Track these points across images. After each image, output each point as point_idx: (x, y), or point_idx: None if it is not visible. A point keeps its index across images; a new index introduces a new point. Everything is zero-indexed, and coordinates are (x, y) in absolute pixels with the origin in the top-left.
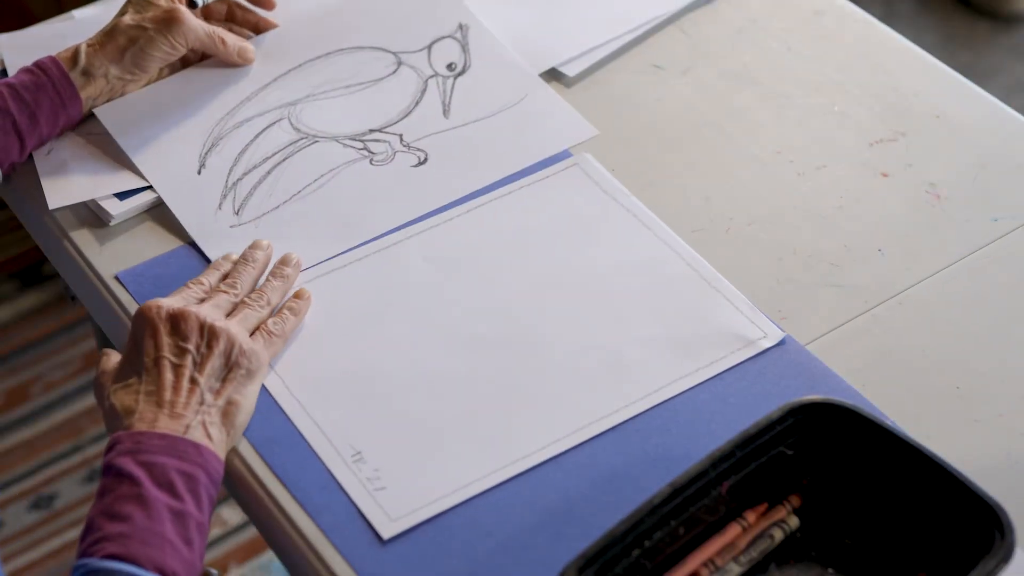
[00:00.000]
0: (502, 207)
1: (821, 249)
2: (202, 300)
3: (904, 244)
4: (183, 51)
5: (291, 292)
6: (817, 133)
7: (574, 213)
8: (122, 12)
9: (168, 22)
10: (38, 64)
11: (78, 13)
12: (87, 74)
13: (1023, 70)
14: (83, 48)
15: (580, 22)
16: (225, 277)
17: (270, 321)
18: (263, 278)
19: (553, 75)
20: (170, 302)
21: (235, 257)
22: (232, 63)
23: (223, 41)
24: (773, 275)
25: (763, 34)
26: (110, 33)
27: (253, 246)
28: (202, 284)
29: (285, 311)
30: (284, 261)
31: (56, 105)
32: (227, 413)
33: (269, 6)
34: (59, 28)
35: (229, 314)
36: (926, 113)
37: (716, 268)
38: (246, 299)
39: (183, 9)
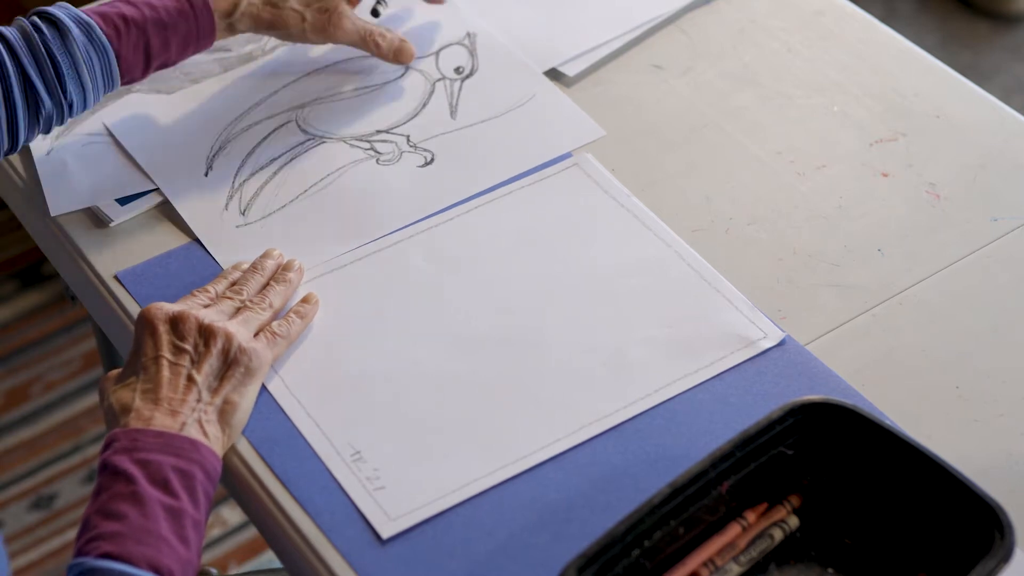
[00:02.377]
0: (502, 207)
1: (821, 249)
2: (206, 307)
3: (904, 244)
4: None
5: (296, 297)
6: (817, 133)
7: (574, 213)
8: None
9: (328, 20)
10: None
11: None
12: (232, 28)
13: (1023, 70)
14: (244, 3)
15: (580, 22)
16: (233, 285)
17: (274, 323)
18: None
19: (553, 75)
20: (172, 305)
21: (245, 266)
22: (387, 62)
23: (377, 45)
24: (773, 275)
25: (763, 34)
26: (274, 1)
27: (264, 255)
28: (208, 292)
29: (291, 314)
30: (287, 267)
31: (191, 39)
32: (224, 412)
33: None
34: None
35: (232, 317)
36: (926, 113)
37: (716, 268)
38: (248, 302)
39: (347, 11)
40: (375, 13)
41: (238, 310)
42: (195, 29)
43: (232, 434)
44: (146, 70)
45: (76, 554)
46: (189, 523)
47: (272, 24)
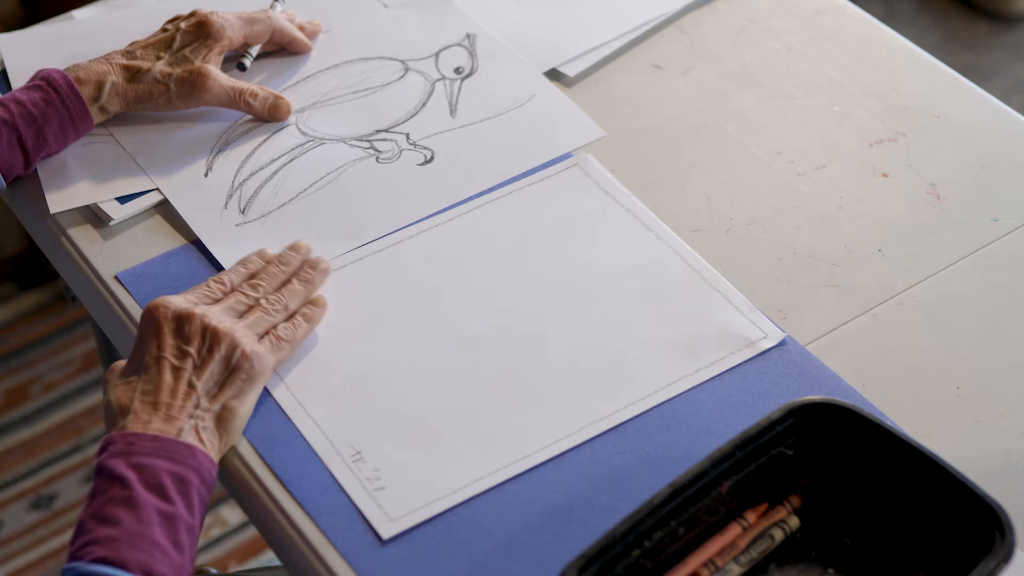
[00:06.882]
0: (502, 207)
1: (821, 249)
2: (217, 300)
3: (904, 244)
4: (199, 108)
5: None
6: (817, 133)
7: (574, 213)
8: (165, 43)
9: (192, 86)
10: (54, 87)
11: (78, 13)
12: (104, 111)
13: (1023, 70)
14: (108, 85)
15: (580, 22)
16: (252, 276)
17: (281, 326)
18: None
19: (553, 75)
20: (179, 302)
21: (271, 254)
22: (263, 120)
23: (248, 104)
24: (773, 275)
25: (763, 34)
26: (136, 76)
27: (292, 246)
28: (222, 284)
29: (298, 317)
30: (312, 264)
31: (67, 126)
32: (221, 418)
33: (306, 49)
34: (59, 28)
35: (242, 315)
36: (926, 113)
37: (716, 268)
38: (263, 301)
39: (211, 74)
40: (241, 67)
41: (250, 308)
42: (68, 116)
43: (228, 440)
44: (28, 164)
45: (70, 558)
46: (183, 528)
47: (139, 99)
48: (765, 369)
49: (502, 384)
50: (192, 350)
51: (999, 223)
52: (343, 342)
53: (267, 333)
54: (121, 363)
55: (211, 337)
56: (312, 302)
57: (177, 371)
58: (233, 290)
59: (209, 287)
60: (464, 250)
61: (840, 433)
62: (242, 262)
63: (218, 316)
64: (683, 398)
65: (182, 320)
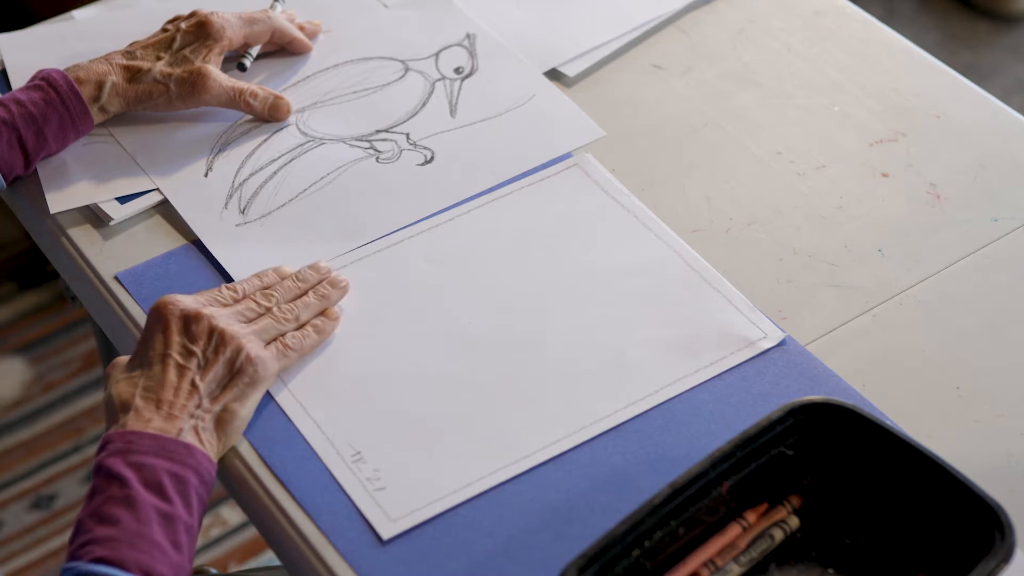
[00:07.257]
0: (502, 207)
1: (821, 249)
2: (227, 306)
3: (904, 244)
4: (200, 108)
5: None
6: (817, 133)
7: (574, 213)
8: (165, 44)
9: (192, 86)
10: (54, 87)
11: (78, 13)
12: (104, 111)
13: (1023, 70)
14: (108, 85)
15: (580, 22)
16: (266, 288)
17: (289, 335)
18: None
19: (553, 75)
20: (188, 301)
21: (288, 271)
22: (263, 120)
23: (248, 104)
24: (773, 275)
25: (763, 34)
26: (136, 76)
27: (312, 267)
28: (234, 291)
29: (308, 328)
30: (332, 282)
31: (67, 126)
32: (221, 420)
33: (306, 49)
34: (59, 28)
35: (251, 321)
36: (926, 113)
37: (716, 268)
38: (274, 310)
39: (211, 74)
40: (241, 67)
41: (260, 315)
42: (68, 116)
43: (227, 441)
44: (28, 164)
45: (69, 558)
46: (182, 528)
47: (139, 99)
48: (765, 369)
49: (502, 384)
50: (198, 350)
51: (999, 223)
52: (343, 342)
53: (275, 340)
54: (124, 358)
55: (217, 338)
56: (325, 314)
57: (182, 369)
58: (245, 297)
59: (221, 292)
60: (464, 250)
61: (840, 433)
62: (257, 275)
63: (226, 319)
64: (683, 398)
65: (190, 319)
